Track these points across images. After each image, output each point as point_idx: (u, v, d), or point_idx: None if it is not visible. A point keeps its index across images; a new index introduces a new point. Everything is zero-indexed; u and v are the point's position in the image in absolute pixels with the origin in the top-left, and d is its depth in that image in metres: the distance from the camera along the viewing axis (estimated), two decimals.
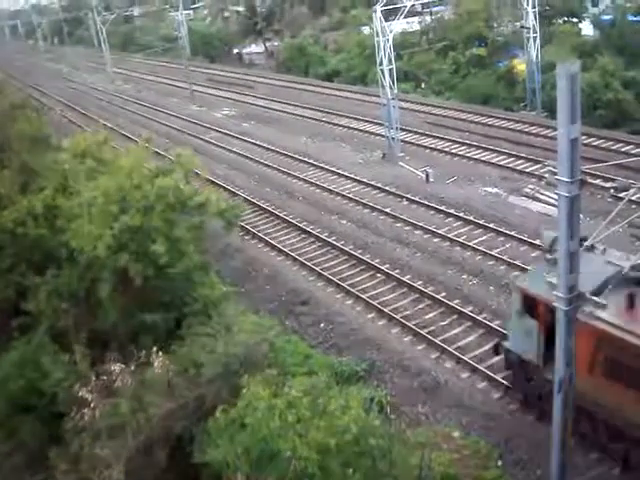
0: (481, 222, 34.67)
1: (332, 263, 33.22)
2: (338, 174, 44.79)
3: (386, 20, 45.60)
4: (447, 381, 23.86)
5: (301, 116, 63.25)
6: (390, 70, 45.53)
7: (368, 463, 15.42)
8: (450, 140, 49.15)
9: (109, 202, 23.86)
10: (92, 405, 18.11)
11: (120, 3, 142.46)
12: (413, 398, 23.48)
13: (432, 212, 37.11)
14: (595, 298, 16.40)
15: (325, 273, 31.77)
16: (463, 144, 47.83)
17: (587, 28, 75.42)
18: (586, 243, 16.63)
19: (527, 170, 41.22)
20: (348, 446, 15.05)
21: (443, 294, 28.84)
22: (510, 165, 42.60)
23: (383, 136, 49.32)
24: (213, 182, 44.53)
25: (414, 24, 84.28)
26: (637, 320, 17.13)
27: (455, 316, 27.32)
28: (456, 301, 28.15)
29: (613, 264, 18.61)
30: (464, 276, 30.21)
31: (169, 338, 22.11)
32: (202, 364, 19.30)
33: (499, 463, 20.03)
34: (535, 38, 53.35)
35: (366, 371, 24.88)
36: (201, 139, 58.16)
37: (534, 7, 52.43)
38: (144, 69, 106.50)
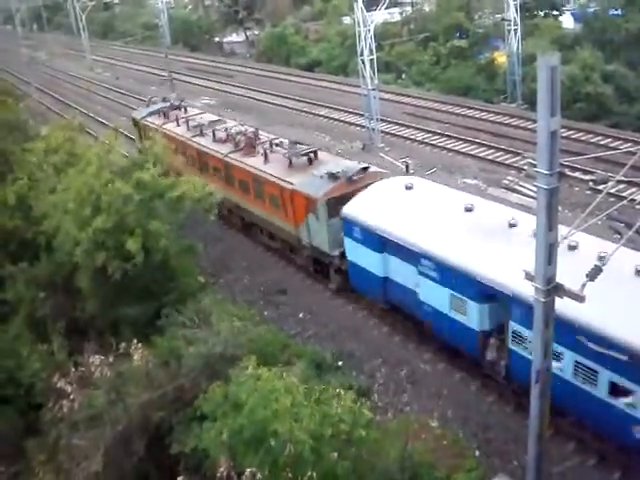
0: None
1: None
2: None
3: (367, 10, 45.51)
4: None
5: (281, 106, 63.06)
6: (371, 60, 45.46)
7: (355, 452, 15.52)
8: (430, 131, 49.19)
9: (82, 205, 23.81)
10: (70, 396, 18.01)
11: None
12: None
13: None
14: None
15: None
16: (443, 135, 47.88)
17: (568, 21, 75.77)
18: None
19: (506, 162, 41.35)
20: (341, 435, 15.15)
21: None
22: (490, 157, 42.71)
23: (363, 127, 49.29)
24: None
25: (395, 15, 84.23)
26: (165, 122, 40.50)
27: None
28: None
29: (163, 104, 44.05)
30: None
31: (148, 328, 22.06)
32: (181, 356, 19.27)
33: (476, 453, 20.18)
34: (516, 30, 53.52)
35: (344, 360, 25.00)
36: None
37: None
38: (124, 57, 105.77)
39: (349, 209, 25.62)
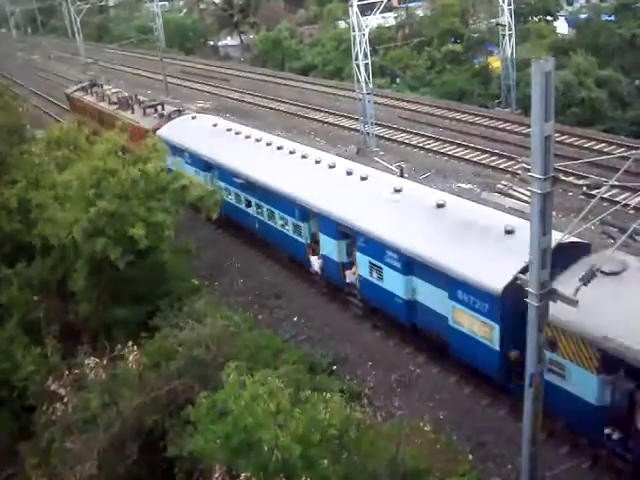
0: None
1: None
2: None
3: (362, 14, 45.60)
4: None
5: (276, 110, 63.13)
6: (366, 65, 45.57)
7: (347, 458, 15.45)
8: (425, 136, 49.24)
9: (84, 187, 23.75)
10: (64, 399, 17.95)
11: None
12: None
13: None
14: None
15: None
16: (438, 140, 47.94)
17: (562, 26, 76.08)
18: None
19: (501, 166, 41.45)
20: (331, 439, 15.08)
21: None
22: (484, 161, 42.78)
23: (358, 131, 49.37)
24: None
25: (390, 19, 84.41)
26: (84, 94, 57.55)
27: None
28: None
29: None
30: None
31: (142, 330, 22.01)
32: (173, 357, 19.22)
33: (470, 457, 20.18)
34: (510, 35, 53.60)
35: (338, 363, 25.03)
36: None
37: (510, 4, 52.66)
38: (118, 60, 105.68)
39: (160, 132, 40.03)
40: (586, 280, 13.02)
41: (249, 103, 67.00)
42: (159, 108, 46.28)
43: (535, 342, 13.92)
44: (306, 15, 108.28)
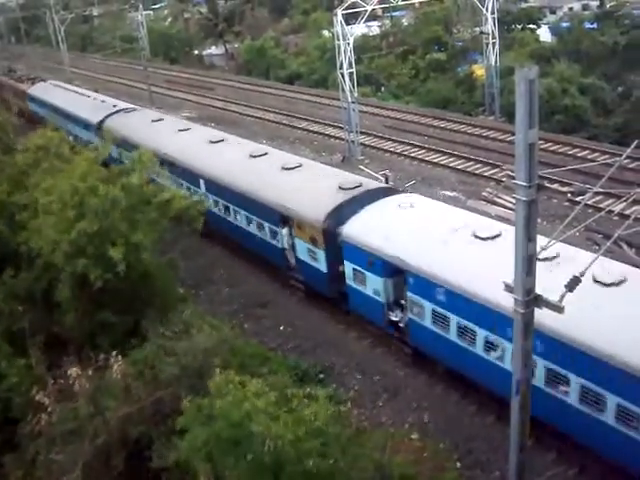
0: None
1: None
2: None
3: (347, 24, 45.73)
4: None
5: (261, 119, 63.13)
6: (350, 74, 45.67)
7: (330, 460, 15.36)
8: (410, 144, 49.36)
9: (65, 208, 23.52)
10: (48, 410, 17.79)
11: (79, 3, 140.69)
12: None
13: None
14: None
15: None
16: (422, 148, 48.07)
17: (545, 35, 76.63)
18: None
19: (485, 174, 41.60)
20: (316, 433, 15.01)
21: None
22: (469, 169, 42.94)
23: (343, 139, 49.43)
24: None
25: (374, 28, 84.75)
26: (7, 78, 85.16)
27: None
28: None
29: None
30: None
31: (127, 339, 21.88)
32: (160, 367, 19.08)
33: (457, 465, 20.17)
34: (494, 44, 53.84)
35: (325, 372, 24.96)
36: None
37: (493, 13, 52.91)
38: (103, 69, 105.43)
39: (30, 90, 67.30)
40: (571, 287, 13.02)
41: (234, 112, 66.95)
42: (36, 80, 72.65)
43: (521, 349, 13.92)
44: (291, 24, 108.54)
